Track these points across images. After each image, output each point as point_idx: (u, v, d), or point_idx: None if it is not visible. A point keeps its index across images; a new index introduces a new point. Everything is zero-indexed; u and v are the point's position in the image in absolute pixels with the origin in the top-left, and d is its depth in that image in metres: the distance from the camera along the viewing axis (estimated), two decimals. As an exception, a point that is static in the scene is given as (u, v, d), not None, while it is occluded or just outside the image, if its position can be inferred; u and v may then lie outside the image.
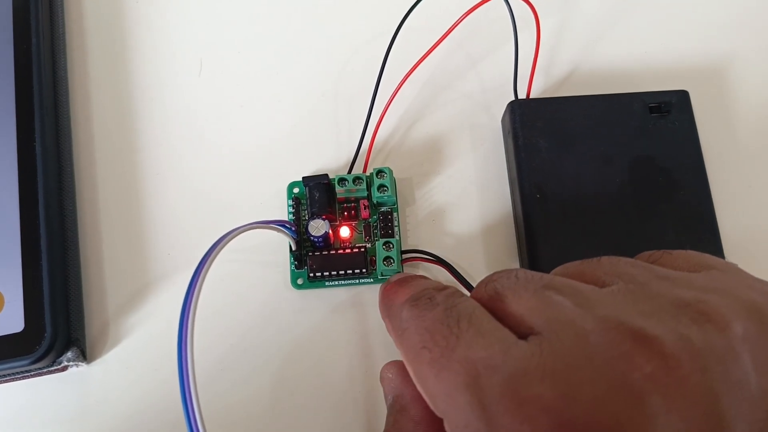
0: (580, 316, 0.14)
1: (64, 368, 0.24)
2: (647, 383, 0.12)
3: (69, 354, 0.24)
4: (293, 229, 0.25)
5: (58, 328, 0.23)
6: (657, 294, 0.14)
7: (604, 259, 0.16)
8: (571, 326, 0.14)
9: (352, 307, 0.25)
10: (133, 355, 0.25)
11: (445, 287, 0.17)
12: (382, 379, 0.20)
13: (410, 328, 0.16)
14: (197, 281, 0.17)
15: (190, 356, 0.16)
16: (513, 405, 0.13)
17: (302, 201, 0.26)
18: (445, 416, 0.14)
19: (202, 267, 0.18)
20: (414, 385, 0.16)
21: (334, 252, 0.25)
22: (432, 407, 0.15)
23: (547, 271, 0.17)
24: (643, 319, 0.13)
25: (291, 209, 0.26)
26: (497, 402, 0.13)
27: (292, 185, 0.27)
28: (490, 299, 0.16)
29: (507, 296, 0.15)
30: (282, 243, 0.26)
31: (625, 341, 0.13)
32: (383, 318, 0.19)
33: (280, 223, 0.24)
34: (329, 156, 0.28)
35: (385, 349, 0.25)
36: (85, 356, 0.25)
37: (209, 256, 0.18)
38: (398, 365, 0.19)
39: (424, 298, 0.17)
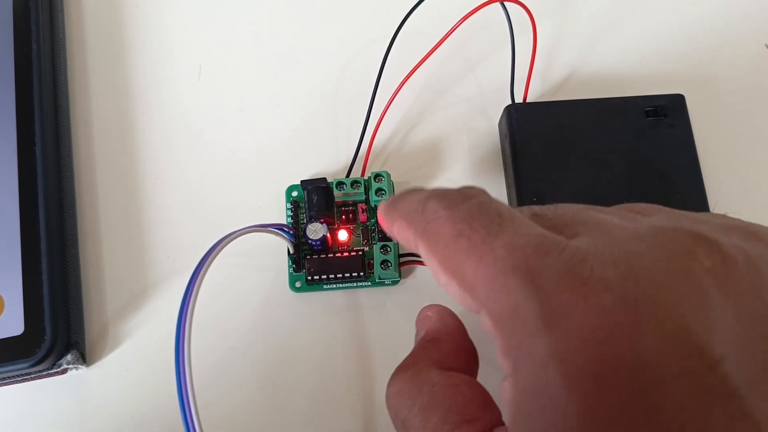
0: (634, 223, 0.14)
1: (64, 371, 0.25)
2: (708, 277, 0.12)
3: (68, 357, 0.24)
4: (291, 232, 0.25)
5: (57, 331, 0.23)
6: (700, 219, 0.14)
7: (626, 205, 0.16)
8: (625, 230, 0.13)
9: (350, 311, 0.25)
10: (132, 358, 0.25)
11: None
12: (420, 318, 0.19)
13: (441, 217, 0.15)
14: (195, 284, 0.17)
15: (188, 359, 0.16)
16: (574, 284, 0.12)
17: (301, 204, 0.26)
18: (486, 304, 0.13)
19: (200, 270, 0.18)
20: (450, 324, 0.15)
21: (332, 255, 0.25)
22: (469, 298, 0.14)
23: None
24: (698, 226, 0.13)
25: (289, 213, 0.26)
26: (555, 282, 0.12)
27: (290, 189, 0.27)
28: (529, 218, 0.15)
29: (547, 214, 0.14)
30: (280, 246, 0.26)
31: (685, 238, 0.13)
32: (388, 223, 0.17)
33: (278, 227, 0.24)
34: (328, 159, 0.28)
35: (383, 351, 0.25)
36: (84, 359, 0.25)
37: (207, 258, 0.18)
38: (439, 309, 0.18)
39: (451, 192, 0.15)
